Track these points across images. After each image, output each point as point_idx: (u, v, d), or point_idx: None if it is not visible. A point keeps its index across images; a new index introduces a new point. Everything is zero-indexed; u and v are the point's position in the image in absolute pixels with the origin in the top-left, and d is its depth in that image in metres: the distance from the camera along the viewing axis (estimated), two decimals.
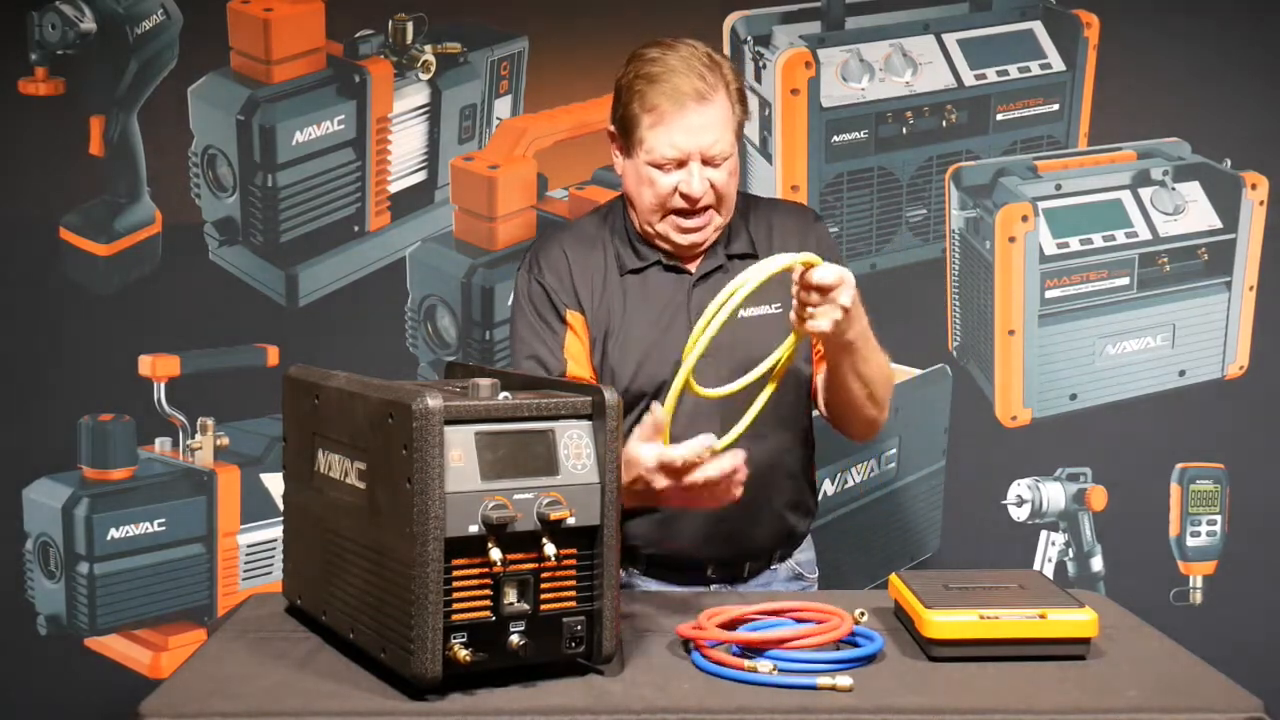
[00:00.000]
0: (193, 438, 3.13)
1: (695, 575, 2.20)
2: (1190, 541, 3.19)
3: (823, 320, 1.91)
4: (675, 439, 2.10)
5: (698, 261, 2.19)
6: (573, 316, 2.17)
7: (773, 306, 2.16)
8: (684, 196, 2.09)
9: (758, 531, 2.21)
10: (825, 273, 1.88)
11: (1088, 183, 3.15)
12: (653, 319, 2.16)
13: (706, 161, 2.08)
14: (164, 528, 3.14)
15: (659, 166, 2.08)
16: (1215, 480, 3.18)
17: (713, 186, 2.09)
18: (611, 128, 2.16)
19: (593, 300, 2.17)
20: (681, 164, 2.08)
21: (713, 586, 2.21)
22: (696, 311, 2.14)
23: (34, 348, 3.11)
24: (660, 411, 1.88)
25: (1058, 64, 3.14)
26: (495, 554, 1.53)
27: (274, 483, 3.14)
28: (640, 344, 2.15)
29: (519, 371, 2.12)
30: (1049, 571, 3.16)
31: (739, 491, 1.91)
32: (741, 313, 2.15)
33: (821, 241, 2.22)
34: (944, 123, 3.13)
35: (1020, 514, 3.19)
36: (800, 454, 2.25)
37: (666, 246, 2.16)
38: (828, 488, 3.11)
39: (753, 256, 2.17)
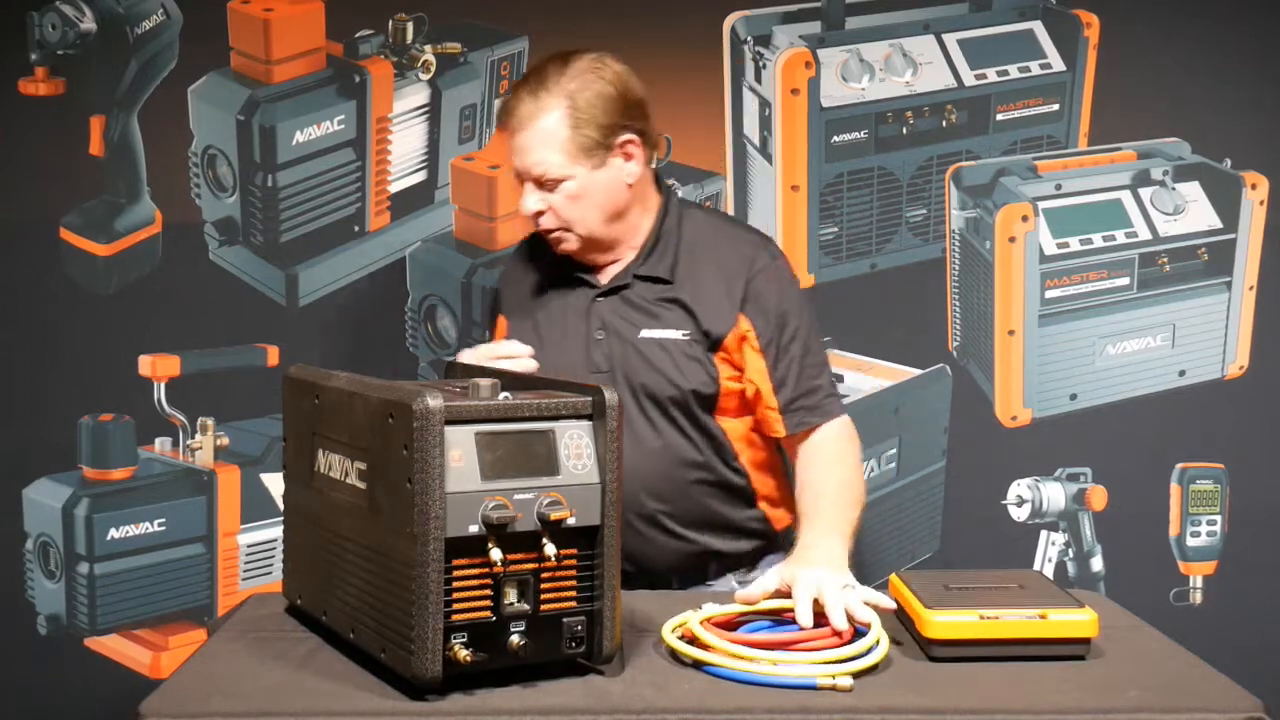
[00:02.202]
0: (193, 438, 3.13)
1: (662, 586, 2.16)
2: (1190, 541, 3.19)
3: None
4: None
5: (610, 274, 2.19)
6: (500, 320, 2.28)
7: (681, 333, 2.13)
8: None
9: (682, 536, 2.16)
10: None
11: (1088, 183, 3.14)
12: (557, 320, 2.20)
13: (539, 184, 2.09)
14: (164, 528, 3.14)
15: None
16: (1215, 480, 3.18)
17: (552, 208, 2.10)
18: None
19: (517, 294, 2.26)
20: (523, 181, 2.12)
21: (713, 584, 2.20)
22: (596, 324, 2.14)
23: (34, 348, 3.11)
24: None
25: (1058, 64, 3.13)
26: (495, 554, 1.53)
27: (274, 483, 3.13)
28: (537, 341, 2.17)
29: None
30: (1049, 571, 3.16)
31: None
32: (644, 333, 2.13)
33: (761, 290, 2.13)
34: (944, 123, 3.13)
35: (1020, 514, 3.19)
36: (704, 453, 2.15)
37: None
38: None
39: (666, 283, 2.14)
